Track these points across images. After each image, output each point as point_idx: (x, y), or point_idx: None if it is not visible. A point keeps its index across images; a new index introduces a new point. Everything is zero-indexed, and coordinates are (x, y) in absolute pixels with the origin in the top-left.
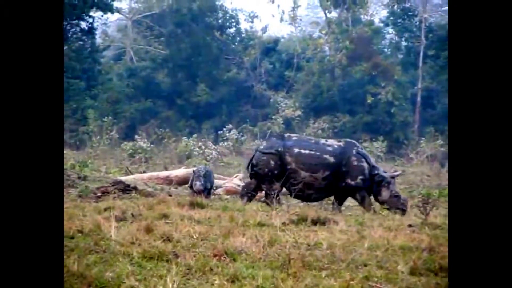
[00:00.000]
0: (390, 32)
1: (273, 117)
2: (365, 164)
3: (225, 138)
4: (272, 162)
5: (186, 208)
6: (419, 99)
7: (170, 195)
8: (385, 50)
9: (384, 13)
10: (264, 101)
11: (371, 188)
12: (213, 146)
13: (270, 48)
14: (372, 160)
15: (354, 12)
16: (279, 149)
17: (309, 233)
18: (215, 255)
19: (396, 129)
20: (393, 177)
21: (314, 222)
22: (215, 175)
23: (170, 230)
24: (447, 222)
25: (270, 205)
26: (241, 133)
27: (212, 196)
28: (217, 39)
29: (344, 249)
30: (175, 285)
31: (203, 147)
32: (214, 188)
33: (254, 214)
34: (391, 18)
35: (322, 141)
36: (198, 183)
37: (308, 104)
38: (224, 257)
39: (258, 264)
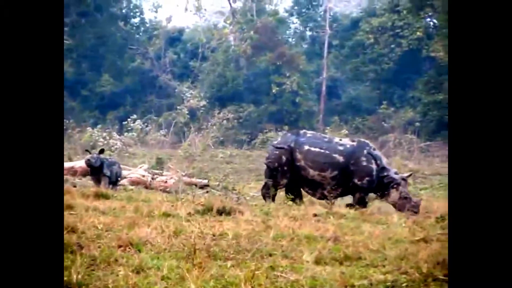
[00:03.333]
0: (295, 22)
1: (178, 107)
2: (373, 166)
3: (129, 128)
4: (283, 158)
5: (91, 199)
6: (324, 88)
7: (75, 186)
8: (290, 39)
9: (288, 2)
10: (169, 91)
11: (380, 189)
12: (118, 137)
13: (175, 38)
14: (384, 161)
15: (258, 2)
16: (291, 145)
17: (215, 223)
18: (120, 246)
19: (301, 118)
20: (404, 179)
21: (220, 212)
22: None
23: (75, 221)
24: (351, 211)
25: (266, 200)
26: (146, 124)
27: (117, 187)
28: (121, 29)
29: (249, 239)
30: (79, 276)
31: (107, 137)
32: (119, 179)
33: (159, 205)
34: (296, 7)
35: (336, 139)
36: (89, 156)
37: (213, 94)
38: (129, 248)
39: (163, 254)
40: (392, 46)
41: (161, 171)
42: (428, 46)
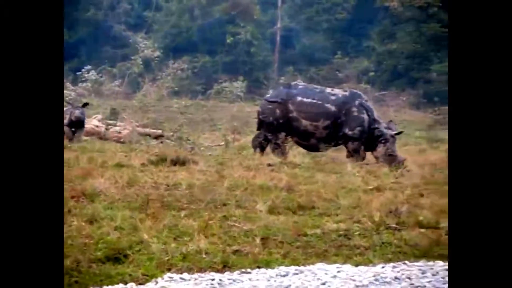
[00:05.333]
0: None
1: (132, 57)
2: (365, 116)
3: (84, 79)
4: (277, 111)
5: None
6: (278, 38)
7: None
8: None
9: None
10: (123, 42)
11: (369, 141)
12: (72, 88)
13: None
14: (375, 114)
15: None
16: (284, 97)
17: (169, 174)
18: (73, 197)
19: (255, 69)
20: (392, 136)
21: (174, 163)
22: None
23: None
24: (305, 161)
25: (278, 156)
26: (100, 74)
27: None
28: None
29: (203, 189)
30: None
31: None
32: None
33: (113, 155)
34: None
35: (328, 90)
36: (77, 111)
37: (168, 44)
38: (83, 199)
39: (117, 205)
40: None
41: (115, 122)
42: None
